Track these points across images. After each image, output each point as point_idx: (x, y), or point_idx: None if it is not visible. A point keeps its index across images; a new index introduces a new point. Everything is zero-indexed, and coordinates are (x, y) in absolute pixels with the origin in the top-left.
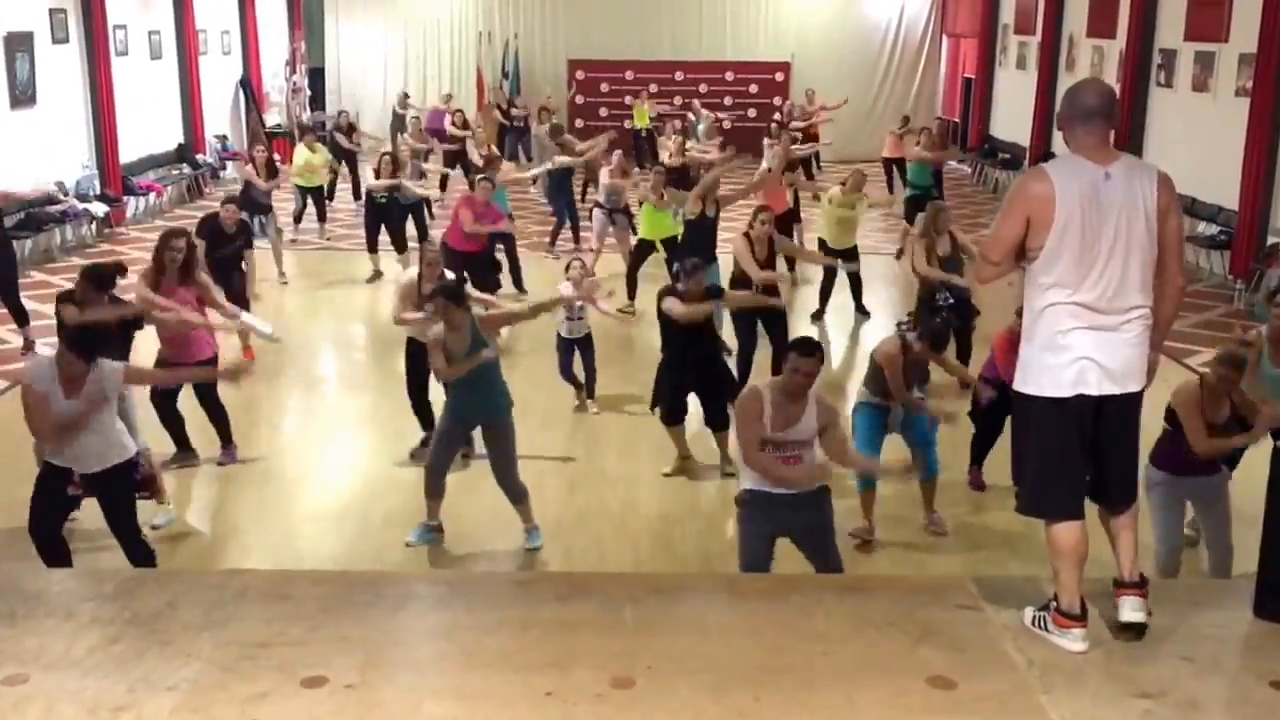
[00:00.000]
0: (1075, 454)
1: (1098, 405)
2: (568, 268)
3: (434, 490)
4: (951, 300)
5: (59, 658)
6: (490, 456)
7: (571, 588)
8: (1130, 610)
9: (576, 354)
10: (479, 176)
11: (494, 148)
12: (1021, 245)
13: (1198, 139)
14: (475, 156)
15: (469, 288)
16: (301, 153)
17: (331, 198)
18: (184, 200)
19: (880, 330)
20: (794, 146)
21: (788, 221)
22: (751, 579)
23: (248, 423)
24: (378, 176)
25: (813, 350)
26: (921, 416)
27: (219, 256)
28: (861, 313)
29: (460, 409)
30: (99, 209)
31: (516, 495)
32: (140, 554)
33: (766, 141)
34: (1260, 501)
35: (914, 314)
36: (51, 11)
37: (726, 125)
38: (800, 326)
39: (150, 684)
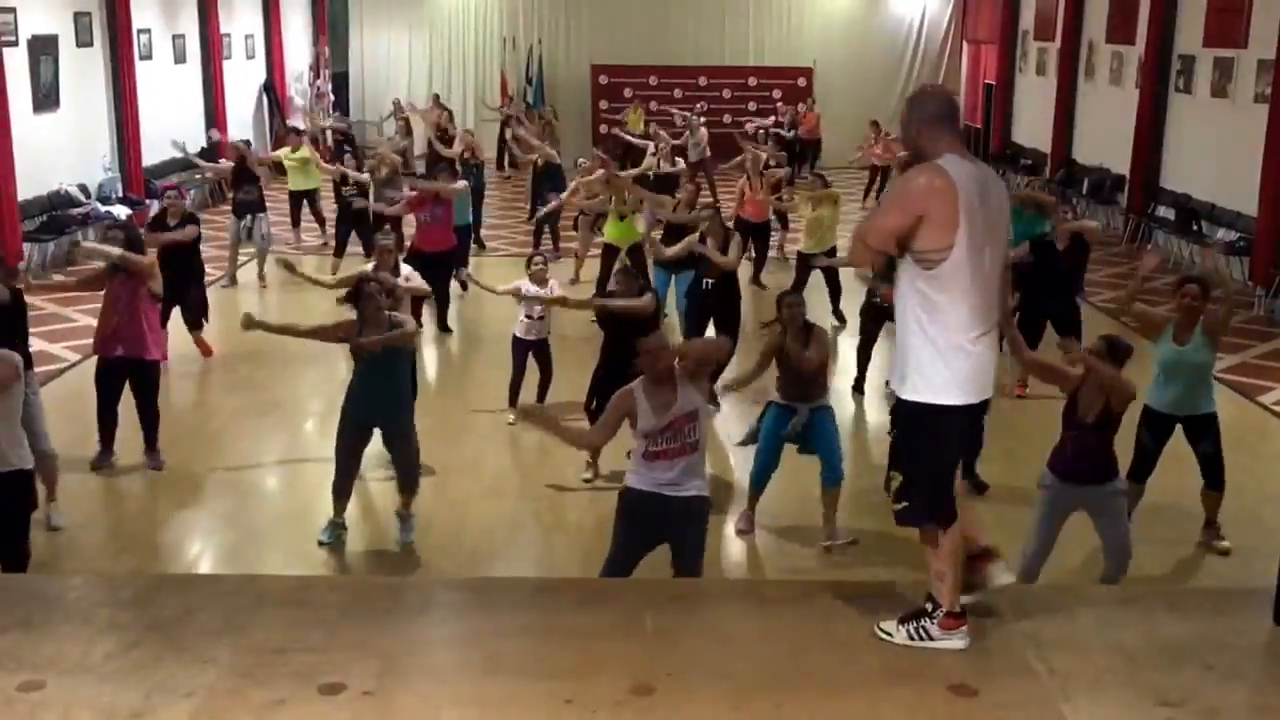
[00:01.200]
0: (958, 457)
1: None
2: (529, 263)
3: (340, 490)
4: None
5: (76, 664)
6: (392, 458)
7: (591, 594)
8: (1004, 573)
9: (530, 360)
10: (434, 174)
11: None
12: (903, 241)
13: (1217, 145)
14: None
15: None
16: (282, 152)
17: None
18: (206, 204)
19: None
20: (774, 165)
21: (767, 230)
22: (774, 585)
23: (264, 428)
24: (365, 191)
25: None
26: (825, 420)
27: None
28: (838, 318)
29: (356, 408)
30: (121, 211)
31: (407, 486)
32: (16, 559)
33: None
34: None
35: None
36: (76, 15)
37: (750, 130)
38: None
39: (167, 690)
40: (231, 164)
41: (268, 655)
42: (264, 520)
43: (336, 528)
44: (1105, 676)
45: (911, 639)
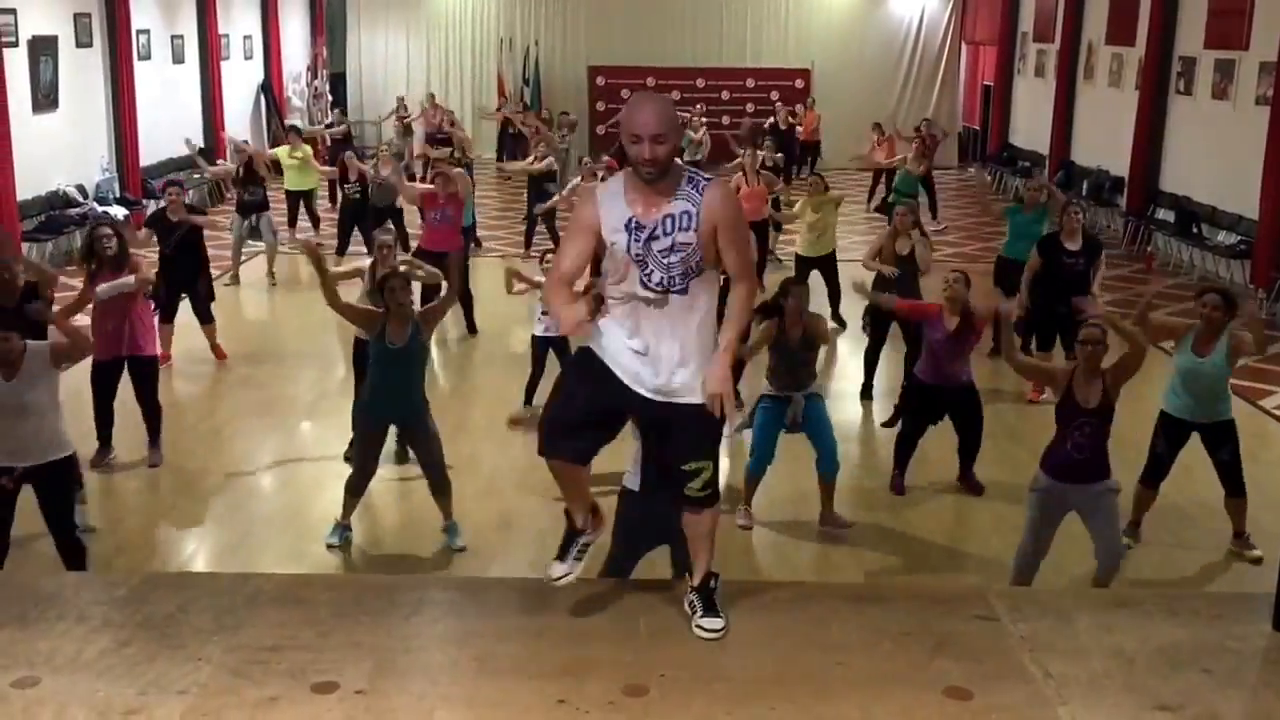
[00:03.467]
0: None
1: None
2: (542, 259)
3: (355, 489)
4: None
5: (70, 660)
6: (418, 457)
7: (585, 595)
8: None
9: (550, 360)
10: (435, 172)
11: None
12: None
13: (1217, 147)
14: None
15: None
16: (280, 151)
17: (334, 201)
18: (205, 204)
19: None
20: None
21: (765, 228)
22: (769, 587)
23: (262, 427)
24: (344, 180)
25: None
26: (819, 408)
27: (168, 247)
28: (837, 321)
29: (373, 408)
30: (119, 212)
31: (439, 488)
32: (75, 551)
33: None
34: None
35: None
36: (76, 16)
37: (744, 127)
38: None
39: (161, 687)
40: (234, 165)
41: (261, 653)
42: (258, 518)
43: (344, 530)
44: (1102, 681)
45: (579, 559)
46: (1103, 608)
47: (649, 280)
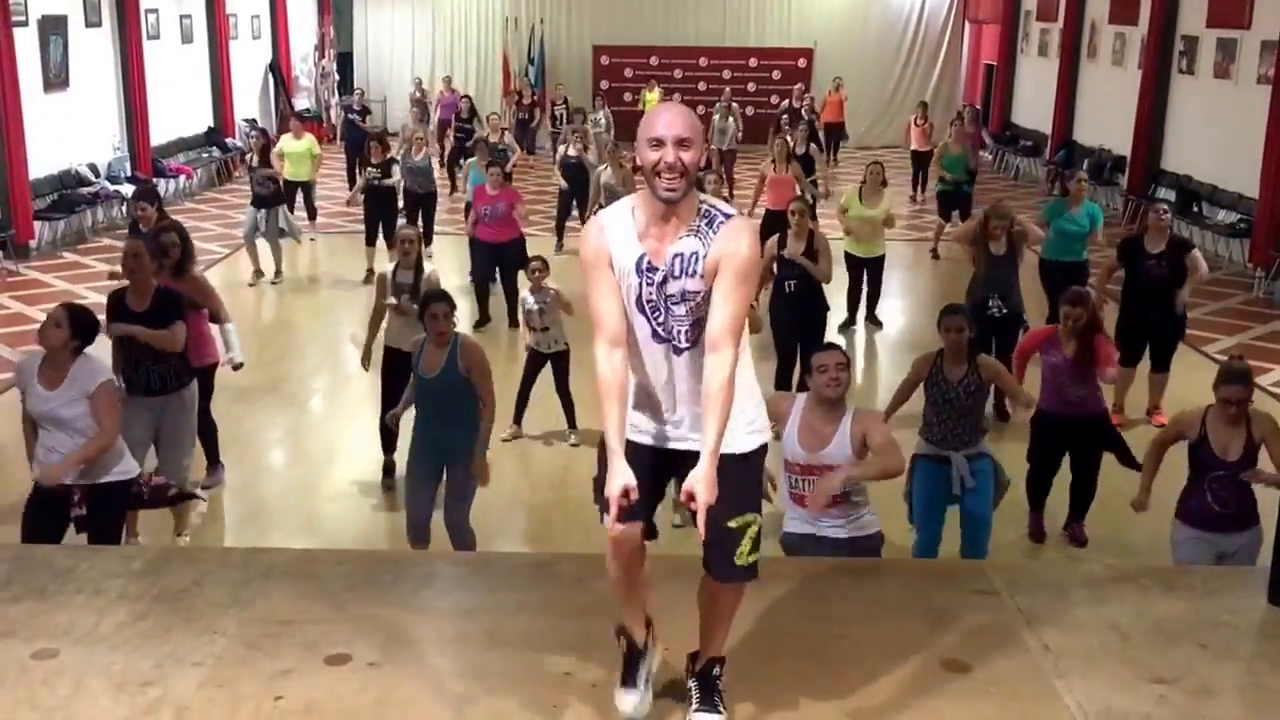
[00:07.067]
0: None
1: None
2: (531, 270)
3: (418, 538)
4: (1005, 311)
5: (88, 633)
6: (446, 489)
7: (591, 570)
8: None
9: (547, 374)
10: (486, 164)
11: (506, 134)
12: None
13: (1219, 126)
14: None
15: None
16: (284, 140)
17: (352, 185)
18: (214, 183)
19: (896, 343)
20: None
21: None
22: (771, 561)
23: (273, 402)
24: (366, 164)
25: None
26: (985, 474)
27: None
28: (873, 322)
29: (430, 446)
30: (130, 191)
31: (462, 542)
32: None
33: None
34: None
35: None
36: None
37: (750, 112)
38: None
39: (177, 660)
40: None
41: (275, 626)
42: (270, 494)
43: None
44: (1099, 654)
45: (649, 683)
46: (1100, 582)
47: (661, 330)
